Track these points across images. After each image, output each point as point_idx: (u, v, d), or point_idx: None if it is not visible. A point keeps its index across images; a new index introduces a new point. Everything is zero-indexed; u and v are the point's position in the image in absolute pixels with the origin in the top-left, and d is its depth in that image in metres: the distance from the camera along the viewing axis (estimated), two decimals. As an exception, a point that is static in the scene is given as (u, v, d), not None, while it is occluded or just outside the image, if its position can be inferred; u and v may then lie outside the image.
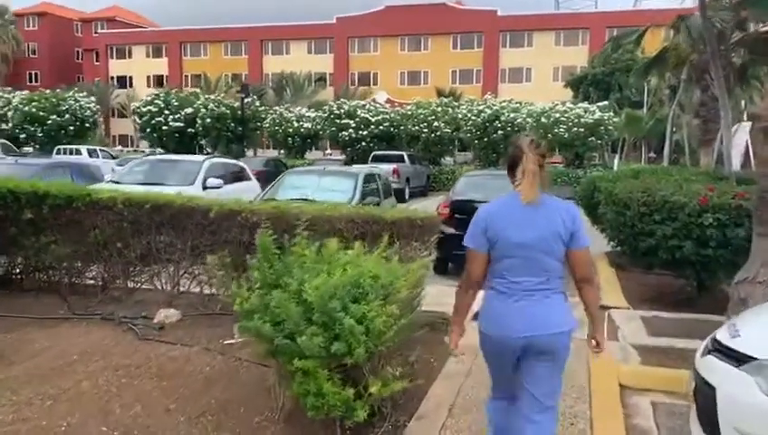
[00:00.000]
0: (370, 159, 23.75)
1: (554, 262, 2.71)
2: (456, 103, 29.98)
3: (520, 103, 27.58)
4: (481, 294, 2.90)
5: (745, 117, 16.47)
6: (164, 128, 30.58)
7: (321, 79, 53.24)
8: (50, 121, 30.42)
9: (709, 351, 3.18)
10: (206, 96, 32.79)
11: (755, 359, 2.85)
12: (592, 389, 4.29)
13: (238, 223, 5.53)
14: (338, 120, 28.96)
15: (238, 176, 11.78)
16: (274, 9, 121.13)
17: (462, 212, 7.71)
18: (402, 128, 28.47)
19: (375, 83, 53.21)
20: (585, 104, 26.43)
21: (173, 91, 34.12)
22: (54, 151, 26.31)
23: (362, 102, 31.57)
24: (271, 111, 32.50)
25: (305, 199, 7.42)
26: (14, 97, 31.62)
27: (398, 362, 3.61)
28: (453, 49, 52.79)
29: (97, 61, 62.12)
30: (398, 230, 5.09)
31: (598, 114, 24.36)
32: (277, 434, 3.56)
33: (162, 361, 4.55)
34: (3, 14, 57.71)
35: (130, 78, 59.68)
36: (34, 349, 4.74)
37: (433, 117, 27.58)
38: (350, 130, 28.45)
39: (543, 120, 24.59)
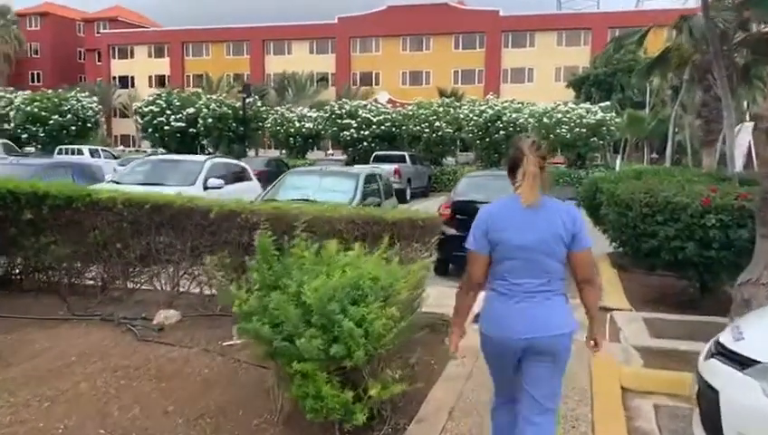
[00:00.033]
0: (372, 159, 23.73)
1: (555, 264, 2.70)
2: (458, 103, 29.93)
3: (522, 104, 27.52)
4: (482, 295, 2.88)
5: (748, 117, 16.43)
6: (166, 128, 30.58)
7: (322, 79, 53.24)
8: (52, 121, 30.47)
9: (712, 354, 3.15)
10: (208, 96, 32.79)
11: (760, 362, 2.82)
12: (594, 391, 4.25)
13: (238, 224, 5.50)
14: (339, 121, 28.95)
15: (239, 176, 11.77)
16: (276, 9, 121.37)
17: (463, 213, 7.67)
18: (404, 128, 28.45)
19: (377, 83, 53.22)
20: (587, 105, 26.36)
21: (175, 91, 34.12)
22: (56, 151, 26.33)
23: (364, 102, 31.58)
24: (272, 112, 32.50)
25: (306, 200, 7.40)
26: (16, 97, 31.69)
27: (398, 365, 3.58)
28: (455, 49, 52.76)
29: (99, 61, 62.24)
30: (398, 231, 5.07)
31: (600, 115, 24.30)
32: (276, 437, 3.54)
33: (161, 362, 4.53)
34: (5, 14, 57.87)
35: (132, 78, 59.73)
36: (33, 350, 4.73)
37: (434, 117, 27.56)
38: (352, 131, 28.42)
39: (545, 120, 24.54)
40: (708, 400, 2.96)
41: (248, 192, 9.73)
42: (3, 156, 20.30)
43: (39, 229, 6.09)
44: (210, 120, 30.18)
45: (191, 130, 30.75)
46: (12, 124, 30.97)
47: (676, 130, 19.66)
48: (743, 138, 13.53)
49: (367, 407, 3.28)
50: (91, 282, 6.28)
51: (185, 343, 4.92)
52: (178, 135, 30.81)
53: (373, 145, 27.92)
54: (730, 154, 9.13)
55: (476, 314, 2.90)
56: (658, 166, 18.25)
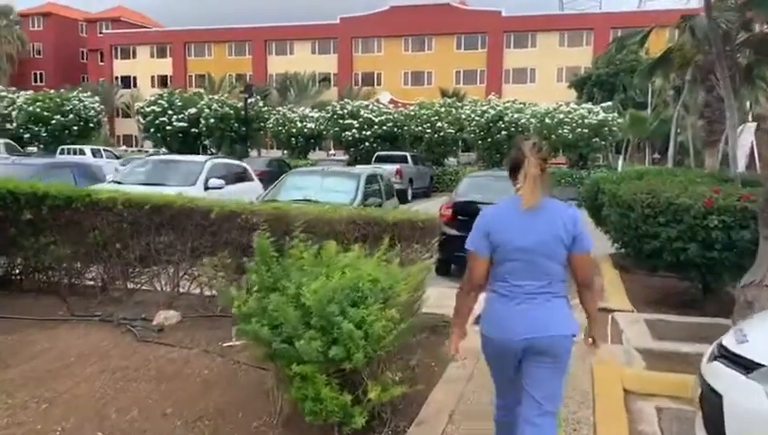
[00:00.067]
0: (374, 159, 23.71)
1: (556, 265, 2.69)
2: (460, 104, 29.92)
3: (524, 104, 27.46)
4: (482, 296, 2.87)
5: (750, 118, 16.37)
6: (168, 128, 30.60)
7: (324, 79, 53.25)
8: (54, 121, 30.49)
9: (715, 357, 3.12)
10: (210, 96, 32.81)
11: (764, 366, 2.78)
12: (596, 393, 4.22)
13: (238, 224, 5.49)
14: (341, 121, 28.94)
15: (240, 176, 11.75)
16: (278, 9, 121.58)
17: (465, 213, 7.63)
18: (405, 128, 28.44)
19: (379, 84, 53.21)
20: (589, 105, 26.29)
21: (177, 91, 34.13)
22: (58, 151, 26.36)
23: (366, 103, 31.54)
24: (274, 112, 32.53)
25: (307, 200, 7.38)
26: (18, 97, 31.70)
27: (398, 367, 3.56)
28: (457, 49, 52.73)
29: (101, 61, 62.32)
30: (399, 232, 5.04)
31: (602, 115, 24.26)
32: (275, 439, 3.51)
33: (161, 363, 4.51)
34: (8, 14, 57.90)
35: (134, 78, 59.78)
36: (32, 351, 4.71)
37: (436, 117, 27.55)
38: (354, 131, 28.42)
39: (547, 120, 24.50)
40: (711, 403, 2.92)
41: (249, 192, 9.71)
42: (5, 156, 20.32)
43: (39, 230, 6.08)
44: (212, 120, 30.19)
45: (193, 130, 30.77)
46: (14, 124, 30.96)
47: (679, 130, 19.58)
48: (745, 138, 13.49)
49: (366, 409, 3.25)
50: (91, 282, 6.27)
51: (185, 343, 4.90)
52: (180, 135, 30.83)
53: (375, 145, 27.91)
54: (732, 155, 9.08)
55: (477, 316, 2.88)
56: (661, 166, 18.19)
